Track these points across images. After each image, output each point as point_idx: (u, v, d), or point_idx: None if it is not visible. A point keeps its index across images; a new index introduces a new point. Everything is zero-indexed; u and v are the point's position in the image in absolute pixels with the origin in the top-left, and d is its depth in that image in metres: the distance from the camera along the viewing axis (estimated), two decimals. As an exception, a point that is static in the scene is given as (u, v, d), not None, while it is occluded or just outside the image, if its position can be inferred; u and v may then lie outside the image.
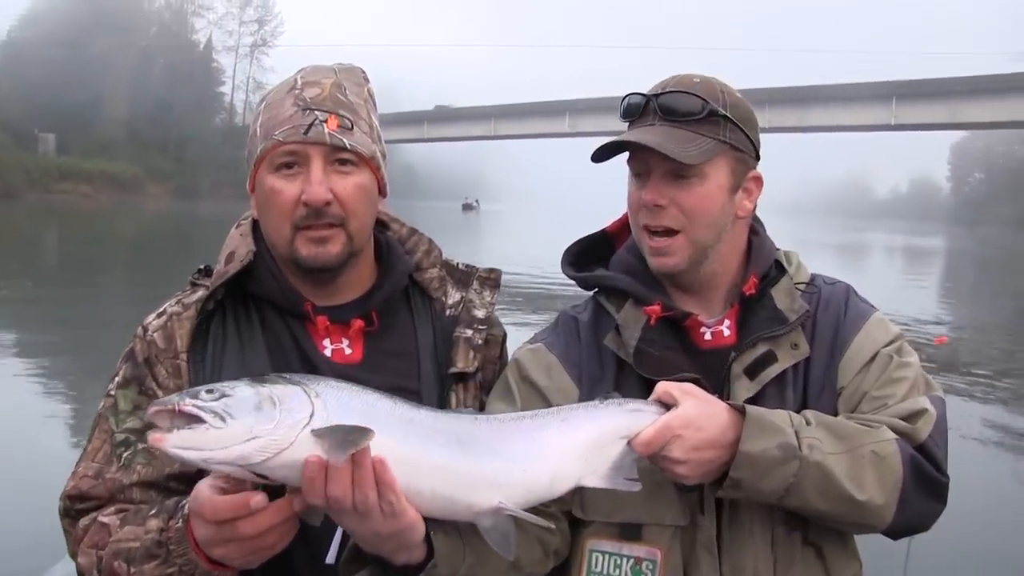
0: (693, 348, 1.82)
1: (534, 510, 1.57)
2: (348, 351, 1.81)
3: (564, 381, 1.83)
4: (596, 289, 1.94)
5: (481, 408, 1.86)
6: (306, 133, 1.70)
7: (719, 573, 1.72)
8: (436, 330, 1.90)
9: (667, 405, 1.60)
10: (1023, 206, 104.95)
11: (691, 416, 1.56)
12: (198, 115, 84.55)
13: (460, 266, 2.00)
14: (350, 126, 1.74)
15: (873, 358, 1.77)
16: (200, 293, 1.81)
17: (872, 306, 1.87)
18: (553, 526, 1.71)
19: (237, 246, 1.82)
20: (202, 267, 1.88)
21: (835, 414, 1.74)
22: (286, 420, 1.38)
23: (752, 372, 1.76)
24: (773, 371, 1.76)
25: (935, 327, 17.57)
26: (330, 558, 1.72)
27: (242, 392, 1.39)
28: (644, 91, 1.83)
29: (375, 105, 1.85)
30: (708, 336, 1.83)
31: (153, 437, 1.37)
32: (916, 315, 18.63)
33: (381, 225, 1.94)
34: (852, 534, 1.81)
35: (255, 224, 1.86)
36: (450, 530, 1.57)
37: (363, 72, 1.85)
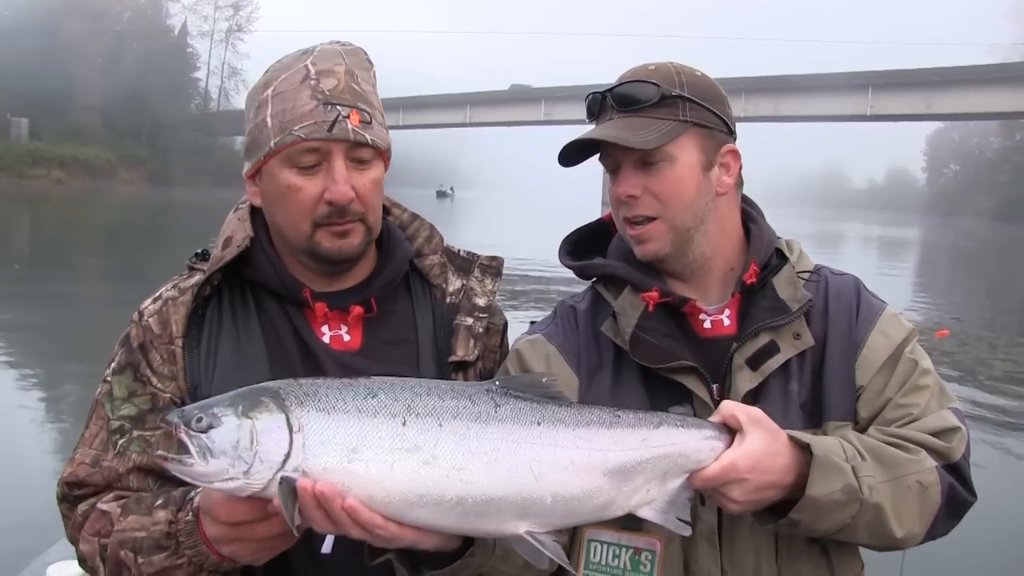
0: (693, 336, 1.80)
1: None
2: (347, 338, 1.79)
3: (564, 371, 1.81)
4: (594, 279, 1.92)
5: None
6: (330, 131, 1.67)
7: (719, 565, 1.71)
8: (436, 317, 1.88)
9: (730, 429, 1.55)
10: (997, 198, 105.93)
11: (758, 456, 1.51)
12: (173, 101, 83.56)
13: (461, 253, 1.97)
14: (369, 120, 1.71)
15: (893, 359, 1.75)
16: (197, 277, 1.78)
17: (882, 300, 1.85)
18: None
19: (235, 231, 1.80)
20: (199, 251, 1.85)
21: (854, 413, 1.73)
22: (258, 465, 1.36)
23: (754, 363, 1.73)
24: (776, 362, 1.73)
25: (910, 314, 17.70)
26: (326, 548, 1.70)
27: (226, 424, 1.38)
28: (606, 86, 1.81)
29: (376, 86, 1.81)
30: (708, 324, 1.80)
31: (159, 460, 1.43)
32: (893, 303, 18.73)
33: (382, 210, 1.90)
34: None
35: (253, 209, 1.83)
36: None
37: (365, 53, 1.82)
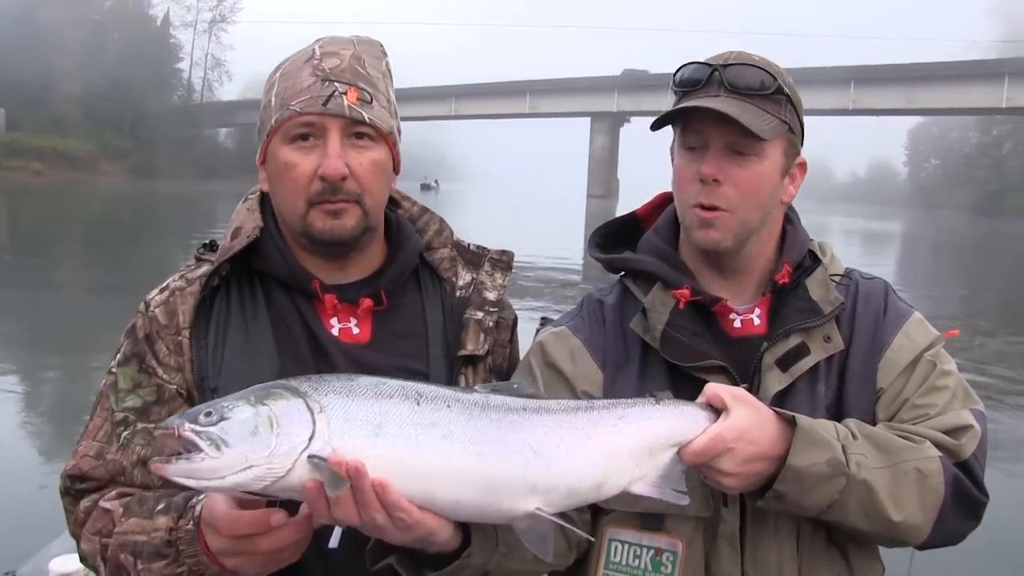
0: (722, 335, 1.76)
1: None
2: (356, 331, 1.77)
3: (589, 366, 1.78)
4: (623, 272, 1.88)
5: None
6: (325, 104, 1.65)
7: (741, 567, 1.68)
8: (446, 311, 1.86)
9: (716, 409, 1.53)
10: (976, 192, 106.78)
11: (743, 427, 1.50)
12: (155, 92, 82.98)
13: (471, 247, 1.95)
14: (369, 99, 1.69)
15: (914, 362, 1.73)
16: (205, 268, 1.76)
17: (910, 306, 1.83)
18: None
19: (244, 221, 1.77)
20: (207, 242, 1.83)
21: (873, 415, 1.70)
22: (282, 447, 1.31)
23: (784, 364, 1.70)
24: (806, 364, 1.71)
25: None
26: (333, 542, 1.66)
27: (240, 414, 1.32)
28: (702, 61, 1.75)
29: (392, 80, 1.80)
30: (738, 324, 1.77)
31: (155, 466, 1.33)
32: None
33: (392, 203, 1.89)
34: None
35: (263, 199, 1.81)
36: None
37: (381, 45, 1.81)
